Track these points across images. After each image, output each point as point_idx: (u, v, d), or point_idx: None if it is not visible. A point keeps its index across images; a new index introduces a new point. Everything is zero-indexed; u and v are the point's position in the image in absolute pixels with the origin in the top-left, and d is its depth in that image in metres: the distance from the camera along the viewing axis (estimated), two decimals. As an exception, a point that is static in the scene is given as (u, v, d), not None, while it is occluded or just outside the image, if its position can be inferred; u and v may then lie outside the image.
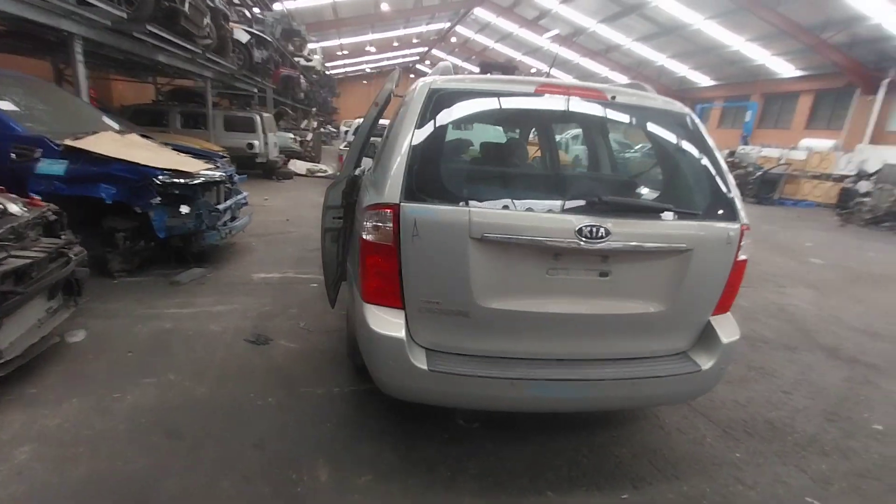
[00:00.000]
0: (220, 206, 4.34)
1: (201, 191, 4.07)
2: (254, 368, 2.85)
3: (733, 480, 2.23)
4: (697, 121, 2.20)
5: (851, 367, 3.57)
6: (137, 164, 3.60)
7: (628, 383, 1.97)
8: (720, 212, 2.03)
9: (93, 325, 3.13)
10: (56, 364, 2.66)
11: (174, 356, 2.90)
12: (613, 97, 2.08)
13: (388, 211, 1.82)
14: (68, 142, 3.49)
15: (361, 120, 11.69)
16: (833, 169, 16.11)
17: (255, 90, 11.32)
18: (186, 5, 5.44)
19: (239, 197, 4.92)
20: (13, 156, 3.44)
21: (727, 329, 2.15)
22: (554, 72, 23.73)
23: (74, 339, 2.92)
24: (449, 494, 2.00)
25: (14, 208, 2.56)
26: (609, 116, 2.13)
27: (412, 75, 46.10)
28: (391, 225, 1.83)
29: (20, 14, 3.98)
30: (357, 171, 2.61)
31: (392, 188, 1.84)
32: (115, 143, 3.77)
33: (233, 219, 4.83)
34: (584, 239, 1.80)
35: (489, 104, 2.07)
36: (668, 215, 1.94)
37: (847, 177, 14.90)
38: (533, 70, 29.27)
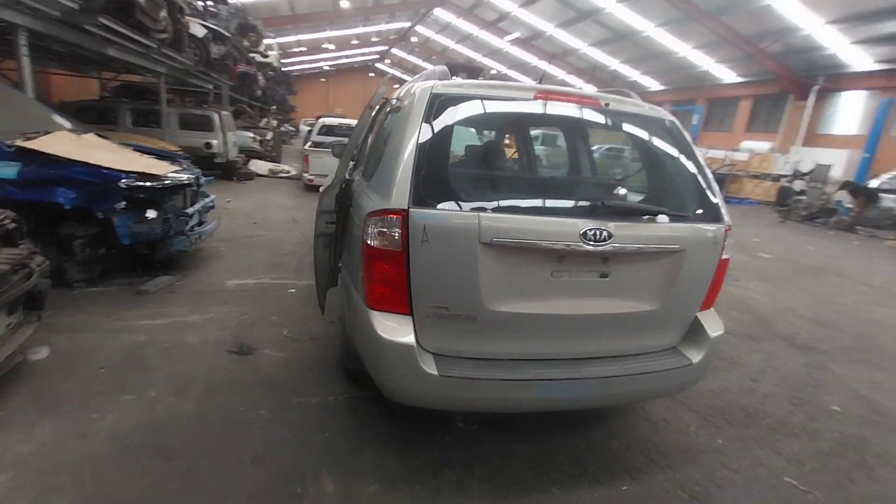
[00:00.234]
0: (189, 211, 4.12)
1: (169, 195, 3.85)
2: (241, 380, 2.74)
3: (719, 466, 2.37)
4: (681, 126, 2.32)
5: (807, 353, 3.87)
6: (99, 166, 3.36)
7: (628, 379, 2.05)
8: (707, 213, 2.15)
9: (56, 340, 2.90)
10: (21, 385, 2.44)
11: (152, 371, 2.73)
12: (607, 104, 2.16)
13: (397, 217, 1.81)
14: (20, 142, 3.20)
15: (326, 120, 11.51)
16: (772, 169, 17.37)
17: (211, 87, 10.83)
18: (142, -4, 5.13)
19: (207, 200, 4.70)
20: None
21: (713, 324, 2.28)
22: (513, 74, 24.22)
23: (37, 356, 2.69)
24: (458, 498, 2.01)
25: (-33, 217, 2.33)
26: (603, 122, 2.20)
27: (371, 74, 45.64)
28: (399, 231, 1.81)
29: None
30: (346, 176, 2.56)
31: (399, 194, 1.82)
32: (72, 143, 3.50)
33: (200, 223, 4.61)
34: (588, 242, 1.86)
35: (490, 110, 2.09)
36: (663, 218, 2.03)
37: (784, 176, 16.12)
38: (493, 71, 29.68)
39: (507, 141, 2.82)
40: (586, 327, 2.06)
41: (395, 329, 1.87)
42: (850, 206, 12.32)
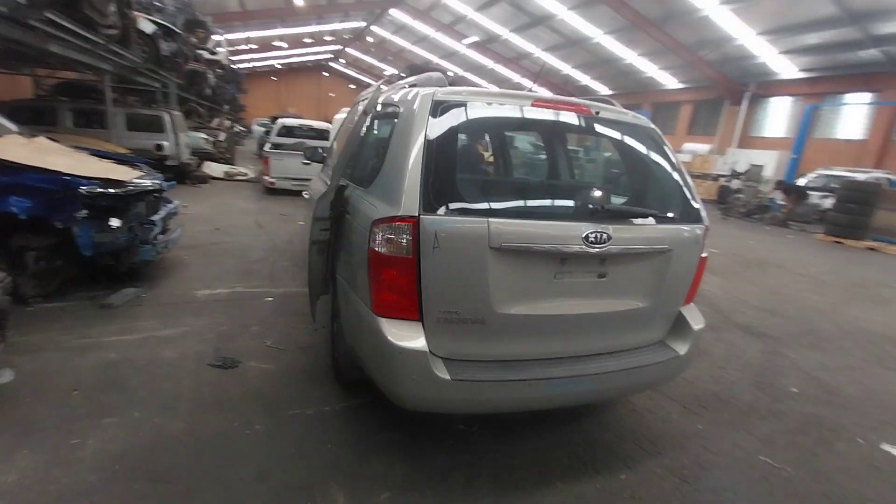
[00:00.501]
0: (155, 218, 3.90)
1: (133, 202, 3.62)
2: (229, 395, 2.63)
3: (702, 450, 2.54)
4: (661, 134, 2.47)
5: (763, 341, 4.21)
6: (59, 172, 3.11)
7: (625, 373, 2.16)
8: (690, 215, 2.31)
9: (19, 361, 2.66)
10: (-14, 413, 2.24)
11: (132, 390, 2.57)
12: (597, 112, 2.27)
13: (408, 224, 1.82)
14: (-36, 147, 2.92)
15: (285, 120, 11.17)
16: (712, 169, 18.60)
17: (158, 85, 10.23)
18: (90, -11, 4.77)
19: (171, 206, 4.46)
20: None
21: (695, 318, 2.45)
22: (470, 76, 24.44)
23: (2, 380, 2.46)
24: (469, 500, 2.04)
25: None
26: (594, 130, 2.31)
27: (325, 73, 44.67)
28: (410, 238, 1.82)
29: None
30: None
31: (409, 201, 1.83)
32: (23, 148, 3.22)
33: (164, 231, 4.36)
34: (590, 244, 1.95)
35: (490, 117, 2.14)
36: (653, 220, 2.16)
37: (723, 176, 17.31)
38: (451, 73, 29.83)
39: (517, 147, 2.89)
40: (585, 326, 2.15)
41: (407, 335, 1.88)
42: (782, 203, 13.44)
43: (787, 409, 3.04)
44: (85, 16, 4.91)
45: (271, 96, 41.32)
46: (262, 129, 18.89)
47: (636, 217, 2.11)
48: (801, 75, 18.64)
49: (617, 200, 2.32)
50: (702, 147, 20.86)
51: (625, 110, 2.45)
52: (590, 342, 2.19)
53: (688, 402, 3.03)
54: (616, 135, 2.37)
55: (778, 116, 20.89)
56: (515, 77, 28.06)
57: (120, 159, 4.18)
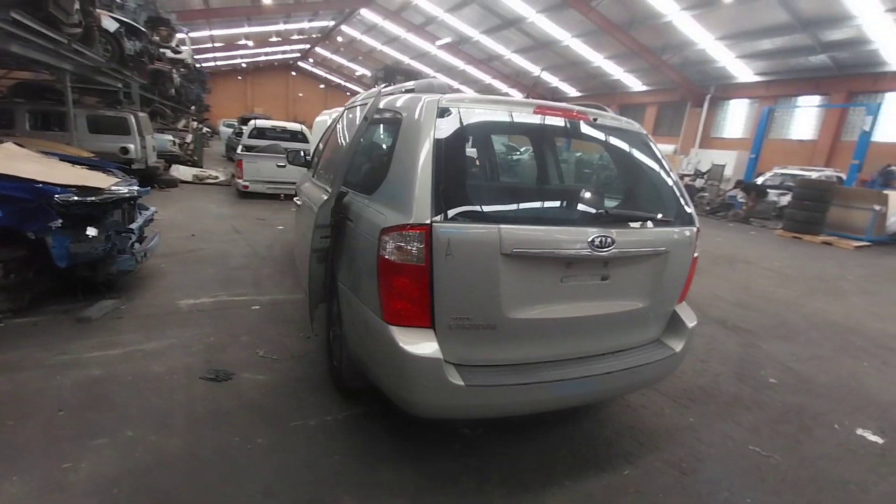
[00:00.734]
0: (133, 226, 3.74)
1: (111, 209, 3.46)
2: (226, 409, 2.55)
3: (696, 442, 2.64)
4: (651, 138, 2.56)
5: (739, 334, 4.41)
6: (32, 180, 2.94)
7: (627, 372, 2.23)
8: (684, 217, 2.40)
9: (-5, 383, 2.51)
10: (-35, 439, 2.09)
11: (121, 408, 2.46)
12: (595, 119, 2.33)
13: (420, 232, 1.82)
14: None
15: (258, 122, 10.90)
16: (678, 169, 19.30)
17: (120, 85, 9.78)
18: (54, -13, 4.51)
19: (148, 213, 4.28)
20: None
21: (688, 316, 2.55)
22: (441, 77, 24.56)
23: (-22, 404, 2.31)
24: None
25: None
26: (593, 135, 2.37)
27: (293, 73, 43.76)
28: (422, 246, 1.82)
29: None
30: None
31: (420, 209, 1.83)
32: (-10, 154, 3.02)
33: (140, 239, 4.19)
34: (595, 248, 2.00)
35: (495, 123, 2.17)
36: (652, 223, 2.23)
37: (687, 175, 17.99)
38: (432, 76, 29.80)
39: (522, 153, 2.92)
40: (590, 327, 2.21)
41: (420, 343, 1.88)
42: (742, 200, 14.09)
43: (768, 400, 3.20)
44: (49, 14, 4.65)
45: (237, 96, 40.19)
46: (230, 130, 18.36)
47: (638, 221, 2.18)
48: (757, 79, 19.62)
49: (611, 204, 2.39)
50: (667, 147, 21.64)
51: (618, 116, 2.53)
52: (594, 343, 2.24)
53: (677, 396, 3.14)
54: (613, 140, 2.44)
55: (736, 118, 21.92)
56: (486, 78, 28.33)
57: (92, 165, 3.98)
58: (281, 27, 28.18)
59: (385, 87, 2.52)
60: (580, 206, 2.21)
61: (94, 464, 2.05)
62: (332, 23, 28.97)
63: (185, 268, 4.84)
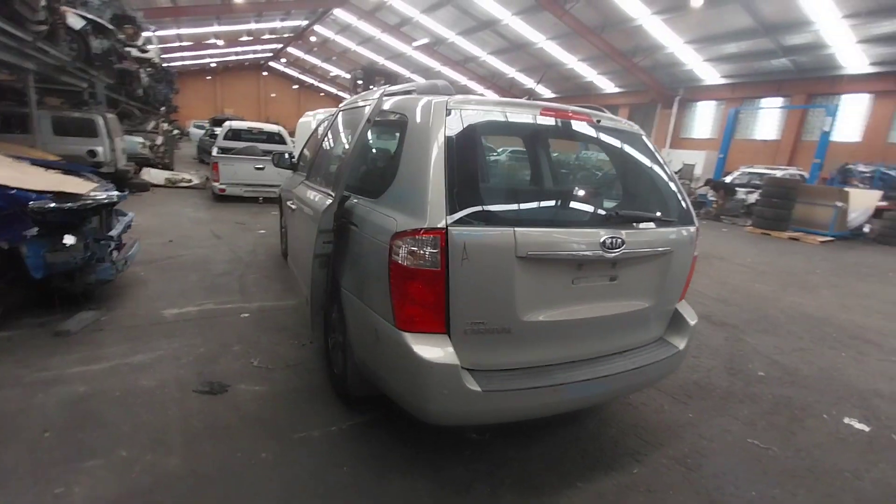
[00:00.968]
0: (112, 233, 3.56)
1: (89, 216, 3.28)
2: (224, 423, 2.45)
3: (697, 437, 2.70)
4: (650, 139, 2.60)
5: (724, 329, 4.54)
6: (5, 186, 2.75)
7: (636, 372, 2.25)
8: (685, 217, 2.44)
9: (-30, 405, 2.33)
10: (-58, 468, 1.93)
11: (112, 427, 2.33)
12: (598, 121, 2.35)
13: (435, 236, 1.78)
14: None
15: (232, 123, 10.60)
16: (650, 168, 19.78)
17: (85, 85, 9.35)
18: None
19: (126, 219, 4.09)
20: None
21: (689, 313, 2.60)
22: (416, 77, 24.73)
23: (-46, 428, 2.15)
24: (497, 508, 2.04)
25: None
26: (596, 137, 2.39)
27: (265, 73, 42.86)
28: (438, 250, 1.79)
29: None
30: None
31: (435, 213, 1.80)
32: (-44, 159, 2.82)
33: (119, 247, 3.99)
34: (606, 249, 2.02)
35: (502, 124, 2.15)
36: (659, 223, 2.26)
37: (661, 175, 18.48)
38: (407, 77, 29.63)
39: (529, 154, 2.90)
40: (600, 328, 2.22)
41: (436, 349, 1.84)
42: (713, 199, 14.58)
43: (759, 393, 3.30)
44: (14, 12, 4.38)
45: (206, 96, 39.10)
46: (202, 131, 17.81)
47: (645, 221, 2.20)
48: (723, 81, 20.38)
49: (616, 205, 2.41)
50: (639, 148, 22.17)
51: (618, 118, 2.56)
52: (603, 344, 2.26)
53: (675, 392, 3.20)
54: (616, 142, 2.46)
55: (704, 119, 22.70)
56: (462, 80, 28.42)
57: (66, 169, 3.77)
58: (252, 26, 27.55)
59: (387, 87, 2.47)
60: (590, 208, 2.22)
61: (89, 487, 1.93)
62: (304, 22, 28.51)
63: (165, 275, 4.65)
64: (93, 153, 8.00)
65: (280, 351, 3.28)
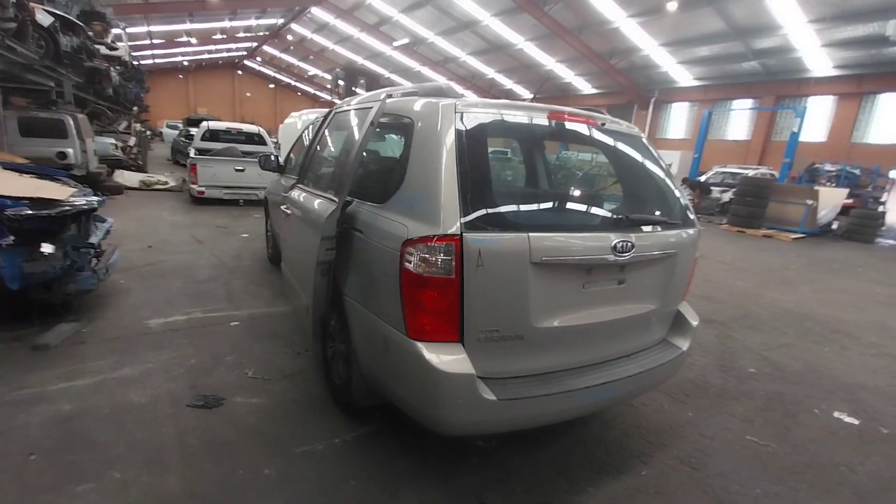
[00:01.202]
0: (93, 240, 3.39)
1: (68, 223, 3.12)
2: (223, 439, 2.35)
3: (698, 436, 2.73)
4: (650, 142, 2.62)
5: (713, 326, 4.64)
6: (-23, 193, 2.58)
7: (644, 374, 2.26)
8: (687, 219, 2.47)
9: (-54, 428, 2.17)
10: (-82, 500, 1.79)
11: (103, 447, 2.21)
12: (603, 123, 2.35)
13: (450, 243, 1.74)
14: None
15: (210, 123, 10.33)
16: (629, 168, 20.18)
17: (52, 84, 8.94)
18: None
19: (106, 225, 3.90)
20: None
21: (691, 314, 2.63)
22: (395, 78, 24.47)
23: (-71, 456, 1.99)
24: (511, 517, 2.02)
25: None
26: (602, 140, 2.39)
27: (239, 71, 41.92)
28: (452, 257, 1.75)
29: None
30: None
31: (448, 219, 1.76)
32: (-79, 164, 2.62)
33: (99, 254, 3.81)
34: (617, 253, 2.01)
35: (511, 129, 2.13)
36: (665, 226, 2.28)
37: (638, 174, 18.87)
38: (387, 76, 29.39)
39: (537, 158, 2.87)
40: (607, 332, 2.21)
41: (451, 359, 1.80)
42: (689, 197, 14.92)
43: (752, 389, 3.37)
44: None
45: (178, 95, 37.99)
46: (176, 132, 17.27)
47: (653, 224, 2.21)
48: (696, 83, 20.94)
49: (619, 207, 2.42)
50: (617, 148, 22.59)
51: (620, 121, 2.57)
52: (612, 347, 2.26)
53: (672, 391, 3.24)
54: (619, 144, 2.47)
55: (679, 120, 23.28)
56: (442, 80, 28.36)
57: (40, 173, 3.57)
58: (226, 24, 26.91)
59: (387, 91, 2.41)
60: (600, 212, 2.22)
61: (83, 514, 1.82)
62: (281, 20, 27.99)
63: (147, 283, 4.46)
64: (63, 155, 7.64)
65: (275, 360, 3.19)
